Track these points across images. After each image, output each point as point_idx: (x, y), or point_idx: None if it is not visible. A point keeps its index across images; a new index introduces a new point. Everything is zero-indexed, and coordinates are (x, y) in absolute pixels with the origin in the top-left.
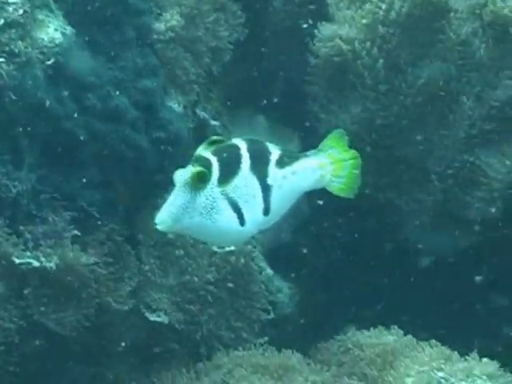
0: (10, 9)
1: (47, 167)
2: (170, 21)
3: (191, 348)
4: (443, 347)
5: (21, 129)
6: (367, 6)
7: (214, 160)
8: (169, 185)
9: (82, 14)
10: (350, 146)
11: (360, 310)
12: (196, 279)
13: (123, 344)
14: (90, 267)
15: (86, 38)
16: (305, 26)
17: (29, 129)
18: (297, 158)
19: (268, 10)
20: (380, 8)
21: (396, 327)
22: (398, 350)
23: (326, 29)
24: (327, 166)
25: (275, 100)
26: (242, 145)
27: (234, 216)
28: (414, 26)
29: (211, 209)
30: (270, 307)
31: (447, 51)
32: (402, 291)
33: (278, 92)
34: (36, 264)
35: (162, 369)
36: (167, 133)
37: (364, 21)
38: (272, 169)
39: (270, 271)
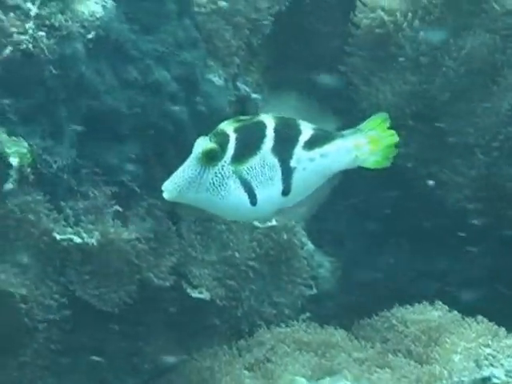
0: None
1: (87, 142)
2: None
3: (233, 324)
4: (490, 323)
5: (61, 103)
6: None
7: (232, 137)
8: None
9: None
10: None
11: (403, 285)
12: (237, 254)
13: (164, 320)
14: (131, 243)
15: (126, 11)
16: None
17: (69, 103)
18: (330, 139)
19: None
20: None
21: (440, 302)
22: (444, 326)
23: (367, 0)
24: (364, 147)
25: (315, 73)
26: (269, 123)
27: (244, 195)
28: None
29: (219, 186)
30: (312, 282)
31: (491, 22)
32: (445, 266)
33: (317, 64)
34: (77, 240)
35: (203, 345)
36: (208, 106)
37: None
38: (298, 150)
39: (311, 246)
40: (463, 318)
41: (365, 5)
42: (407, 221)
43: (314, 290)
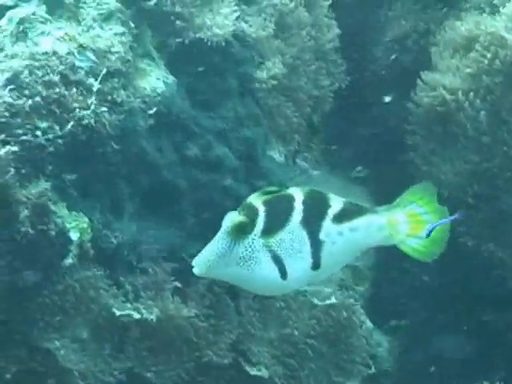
0: (113, 58)
1: (147, 217)
2: (271, 69)
3: None
4: None
5: (121, 178)
6: (471, 54)
7: (261, 210)
8: None
9: (183, 63)
10: (441, 203)
11: (461, 364)
12: (296, 332)
13: None
14: (190, 320)
15: (188, 87)
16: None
17: (130, 178)
18: (361, 214)
19: (367, 58)
20: (485, 57)
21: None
22: None
23: (428, 78)
24: (400, 225)
25: (374, 149)
26: (297, 196)
27: (274, 269)
28: None
29: (249, 259)
30: (371, 361)
31: None
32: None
33: (378, 142)
34: (137, 316)
35: None
36: (268, 182)
37: (468, 70)
38: (327, 223)
39: (370, 324)
40: None
41: (425, 83)
42: (468, 300)
43: (373, 369)
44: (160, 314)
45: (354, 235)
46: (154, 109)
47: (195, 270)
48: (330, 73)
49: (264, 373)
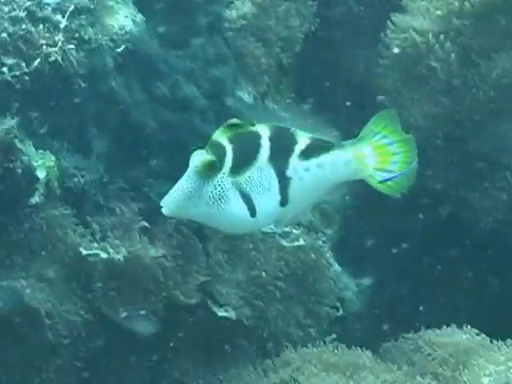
0: None
1: (115, 157)
2: (241, 8)
3: (259, 344)
4: None
5: (89, 117)
6: None
7: (228, 148)
8: None
9: (152, 1)
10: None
11: (429, 307)
12: (264, 274)
13: (190, 339)
14: (157, 260)
15: (156, 26)
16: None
17: (98, 117)
18: (327, 149)
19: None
20: None
21: (469, 326)
22: (472, 349)
23: (399, 20)
24: (367, 159)
25: (343, 92)
26: (264, 132)
27: (243, 207)
28: (488, 16)
29: (219, 199)
30: (338, 304)
31: None
32: (473, 288)
33: (346, 85)
34: (104, 255)
35: (228, 366)
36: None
37: (438, 12)
38: (294, 160)
39: (338, 267)
40: (492, 342)
41: (396, 25)
42: (435, 245)
43: (341, 312)
44: (127, 253)
45: (320, 171)
46: (122, 47)
47: (164, 210)
48: (300, 13)
49: (231, 314)
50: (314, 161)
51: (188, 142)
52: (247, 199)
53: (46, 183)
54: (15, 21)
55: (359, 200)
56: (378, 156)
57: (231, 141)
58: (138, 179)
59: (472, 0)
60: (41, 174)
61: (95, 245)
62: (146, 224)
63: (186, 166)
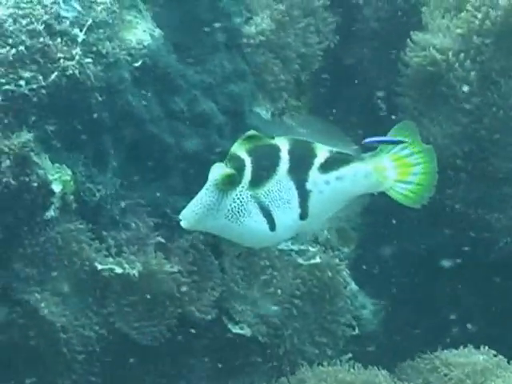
0: (99, 9)
1: (132, 171)
2: (260, 24)
3: (274, 362)
4: None
5: (106, 131)
6: (462, 14)
7: (248, 161)
8: None
9: (170, 16)
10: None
11: (447, 327)
12: (280, 291)
13: (204, 356)
14: (173, 275)
15: (174, 41)
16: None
17: (114, 131)
18: (347, 162)
19: (358, 17)
20: (475, 17)
21: (486, 347)
22: (489, 370)
23: (418, 38)
24: (387, 171)
25: (363, 110)
26: (283, 145)
27: (263, 221)
28: (509, 35)
29: (238, 212)
30: (355, 323)
31: None
32: (492, 310)
33: (366, 102)
34: (119, 270)
35: (243, 383)
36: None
37: (459, 30)
38: (313, 173)
39: (354, 286)
40: (509, 362)
41: (416, 43)
42: (453, 264)
43: (357, 331)
44: (142, 269)
45: (340, 184)
46: (140, 61)
47: (183, 223)
48: (319, 31)
49: (246, 331)
50: (333, 173)
51: (205, 158)
52: (266, 213)
53: (62, 197)
54: (33, 34)
55: (377, 218)
56: (397, 168)
57: (250, 153)
58: (154, 194)
59: (493, 18)
60: (56, 188)
61: (110, 260)
62: (161, 239)
63: (205, 181)
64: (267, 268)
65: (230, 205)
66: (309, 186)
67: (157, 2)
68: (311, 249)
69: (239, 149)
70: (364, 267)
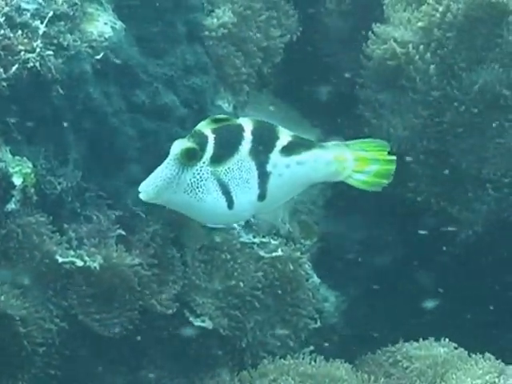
0: (60, 1)
1: (93, 164)
2: (221, 17)
3: (235, 355)
4: (497, 361)
5: (67, 124)
6: (424, 8)
7: (211, 138)
8: None
9: (131, 8)
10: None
11: (408, 320)
12: (242, 284)
13: (166, 349)
14: (134, 268)
15: (136, 33)
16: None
17: (75, 124)
18: (309, 148)
19: (320, 10)
20: (437, 10)
21: (447, 339)
22: (450, 363)
23: (380, 30)
24: (347, 162)
25: (325, 102)
26: (247, 126)
27: (221, 198)
28: (470, 29)
29: (197, 187)
30: (316, 315)
31: (505, 56)
32: (453, 301)
33: (328, 94)
34: (80, 263)
35: (205, 376)
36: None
37: (420, 23)
38: (275, 155)
39: (316, 279)
40: (470, 355)
41: (377, 36)
42: (415, 257)
43: (318, 324)
44: (103, 261)
45: (300, 169)
46: (101, 54)
47: (142, 196)
48: (282, 24)
49: (208, 324)
50: (294, 158)
51: (166, 151)
52: (225, 190)
53: (23, 190)
54: None
55: (339, 210)
56: (356, 160)
57: (214, 131)
58: (116, 187)
59: (454, 11)
60: (17, 181)
61: (71, 252)
62: (122, 232)
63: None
64: (229, 261)
65: (190, 179)
66: (269, 167)
67: None
68: (273, 242)
69: (204, 126)
70: (326, 260)
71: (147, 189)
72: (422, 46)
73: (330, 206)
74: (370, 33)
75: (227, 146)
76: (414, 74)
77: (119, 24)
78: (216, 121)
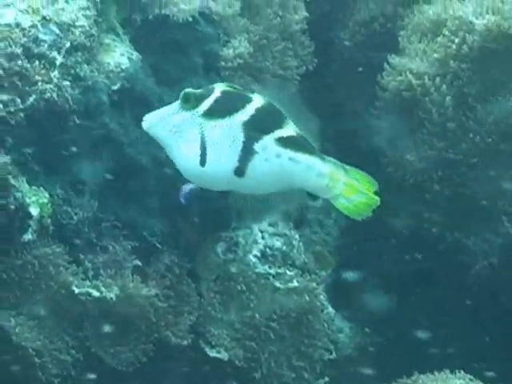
0: (77, 32)
1: (109, 194)
2: (238, 47)
3: None
4: None
5: (84, 154)
6: (439, 39)
7: (215, 94)
8: (232, 217)
9: (148, 39)
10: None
11: (424, 352)
12: (257, 315)
13: (181, 380)
14: (150, 299)
15: (152, 63)
16: (373, 58)
17: (92, 154)
18: (308, 152)
19: (335, 41)
20: (453, 42)
21: (462, 371)
22: None
23: (395, 62)
24: (338, 183)
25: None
26: (256, 102)
27: (196, 152)
28: (486, 60)
29: (181, 132)
30: (332, 346)
31: None
32: (468, 333)
33: (344, 125)
34: (96, 294)
35: None
36: None
37: (435, 55)
38: (268, 139)
39: (331, 310)
40: None
41: (393, 67)
42: (431, 286)
43: (334, 355)
44: (119, 292)
45: (290, 165)
46: (118, 84)
47: (143, 124)
48: (297, 54)
49: (223, 355)
50: (288, 152)
51: (182, 181)
52: (203, 146)
53: (39, 220)
54: (11, 57)
55: (354, 241)
56: (347, 186)
57: (222, 91)
58: (132, 217)
59: (470, 43)
60: (34, 211)
61: (87, 283)
62: (138, 263)
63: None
64: (244, 292)
65: (178, 121)
66: (257, 147)
67: (135, 25)
68: (288, 272)
69: (218, 85)
70: (341, 291)
71: (147, 118)
72: (438, 78)
73: (345, 236)
74: (385, 64)
75: (224, 107)
76: (430, 106)
77: (136, 55)
78: (233, 87)
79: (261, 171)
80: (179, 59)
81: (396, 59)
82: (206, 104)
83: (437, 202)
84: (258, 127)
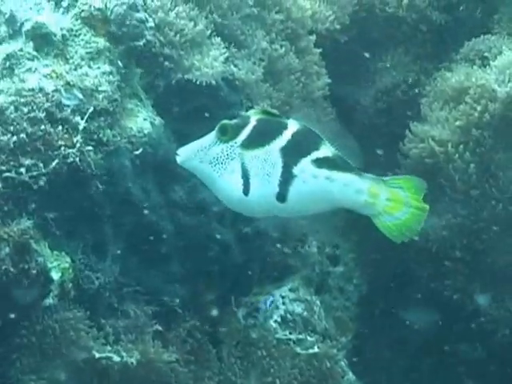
0: (100, 97)
1: (130, 259)
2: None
3: None
4: None
5: (105, 218)
6: (461, 107)
7: (252, 123)
8: (254, 283)
9: (171, 104)
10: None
11: None
12: (278, 381)
13: None
14: (171, 365)
15: (175, 129)
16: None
17: (114, 219)
18: (344, 170)
19: (356, 107)
20: (475, 109)
21: None
22: None
23: (418, 129)
24: (379, 198)
25: None
26: (292, 127)
27: (239, 181)
28: (507, 128)
29: (221, 163)
30: None
31: None
32: None
33: None
34: (117, 359)
35: None
36: (254, 228)
37: (458, 122)
38: (305, 161)
39: (352, 376)
40: None
41: (415, 134)
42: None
43: None
44: (140, 357)
45: (328, 184)
46: (140, 149)
47: (177, 158)
48: (319, 120)
49: None
50: (325, 172)
51: (203, 246)
52: (246, 176)
53: (61, 285)
54: (34, 121)
55: (375, 307)
56: (391, 201)
57: (258, 120)
58: (153, 282)
59: (492, 111)
60: (55, 276)
61: (108, 348)
62: (159, 328)
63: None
64: (265, 357)
65: (217, 153)
66: (295, 170)
67: (158, 90)
68: (309, 338)
69: (252, 113)
70: (361, 357)
71: (182, 152)
72: (461, 146)
73: (365, 302)
74: (407, 131)
75: (262, 136)
76: (453, 173)
77: (158, 120)
78: (267, 113)
79: (301, 193)
80: (202, 124)
81: (418, 126)
82: (244, 134)
83: (458, 269)
84: (295, 151)
